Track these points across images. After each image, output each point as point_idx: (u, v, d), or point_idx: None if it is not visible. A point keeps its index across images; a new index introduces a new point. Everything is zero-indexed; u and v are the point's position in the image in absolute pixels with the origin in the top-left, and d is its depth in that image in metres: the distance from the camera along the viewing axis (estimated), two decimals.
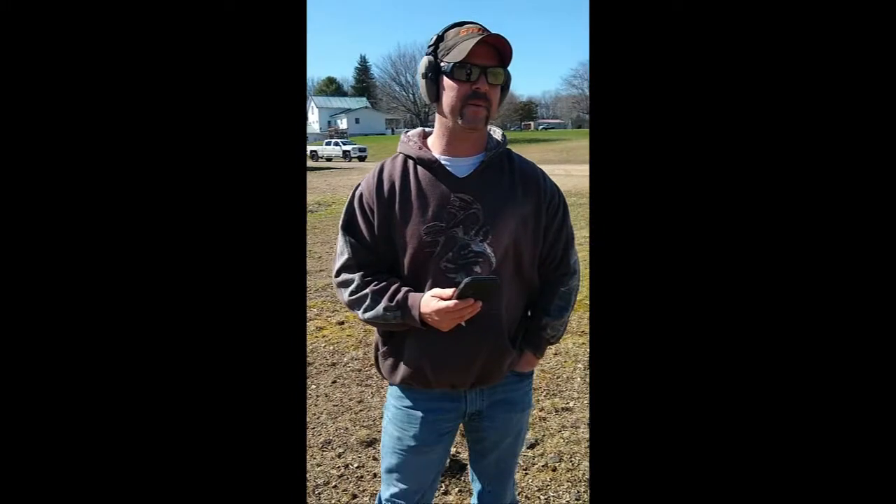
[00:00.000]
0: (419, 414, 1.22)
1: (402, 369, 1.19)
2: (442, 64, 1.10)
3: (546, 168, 1.33)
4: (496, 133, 1.23)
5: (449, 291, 1.05)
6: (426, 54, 1.13)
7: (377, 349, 1.25)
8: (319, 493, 2.05)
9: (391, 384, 1.26)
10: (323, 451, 2.33)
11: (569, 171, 17.95)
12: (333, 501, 2.01)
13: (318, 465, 2.23)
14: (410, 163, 1.17)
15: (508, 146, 1.23)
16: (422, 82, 1.14)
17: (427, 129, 1.25)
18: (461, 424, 1.30)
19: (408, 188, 1.14)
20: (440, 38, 1.12)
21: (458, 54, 1.05)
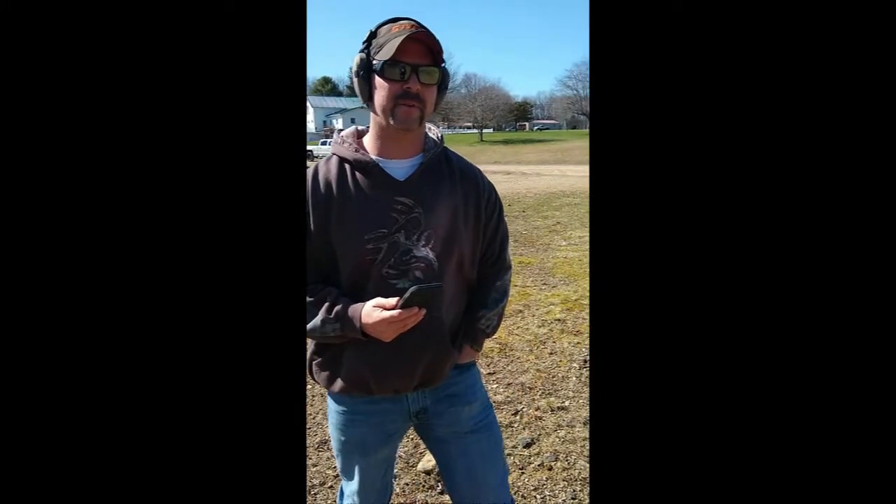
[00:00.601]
0: (362, 418, 1.20)
1: (342, 380, 1.15)
2: (373, 62, 1.05)
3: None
4: (432, 132, 1.20)
5: (392, 301, 1.01)
6: (359, 51, 1.09)
7: (311, 359, 1.20)
8: (315, 494, 2.05)
9: (333, 395, 1.22)
10: (319, 451, 2.33)
11: (564, 171, 18.01)
12: (329, 502, 2.01)
13: (314, 466, 2.23)
14: (347, 166, 1.11)
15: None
16: (355, 80, 1.10)
17: (361, 129, 1.20)
18: (412, 428, 1.27)
19: (346, 192, 1.08)
20: (373, 35, 1.07)
21: (387, 52, 1.01)
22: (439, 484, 2.07)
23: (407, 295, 0.98)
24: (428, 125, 1.18)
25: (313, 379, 1.22)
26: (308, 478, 2.13)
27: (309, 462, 2.24)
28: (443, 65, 1.09)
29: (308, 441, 2.39)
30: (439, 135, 1.21)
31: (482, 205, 1.18)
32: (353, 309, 1.06)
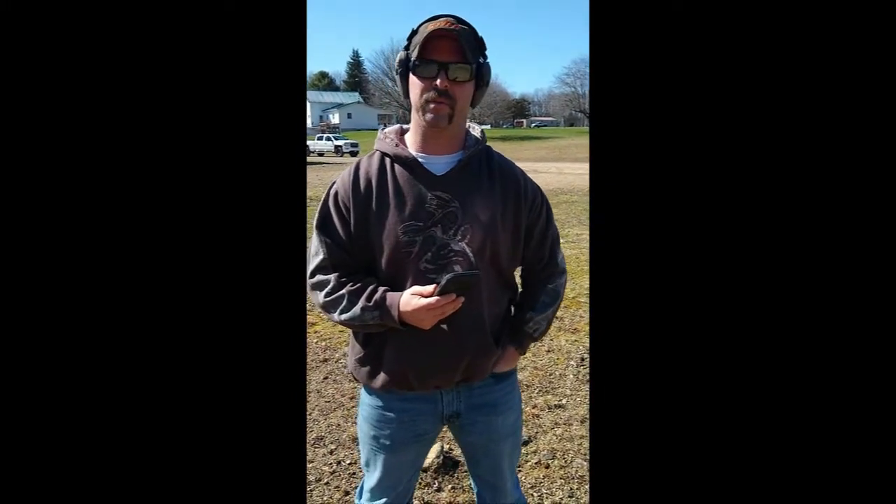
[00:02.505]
0: (394, 415, 1.20)
1: (384, 375, 1.16)
2: (410, 60, 1.08)
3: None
4: (475, 130, 1.20)
5: (429, 288, 1.03)
6: (403, 48, 1.11)
7: (354, 355, 1.21)
8: (311, 490, 2.05)
9: (370, 390, 1.22)
10: (315, 447, 2.32)
11: (561, 168, 17.98)
12: (326, 498, 2.01)
13: (311, 462, 2.22)
14: (387, 160, 1.14)
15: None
16: (397, 79, 1.13)
17: (405, 126, 1.21)
18: (446, 427, 1.28)
19: (385, 186, 1.11)
20: (414, 33, 1.09)
21: (417, 49, 1.04)
22: (436, 482, 2.07)
23: (444, 282, 0.99)
24: (471, 123, 1.18)
25: (354, 378, 1.25)
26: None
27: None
28: (481, 60, 1.09)
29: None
30: (482, 133, 1.21)
31: (523, 205, 1.17)
32: (392, 297, 1.07)
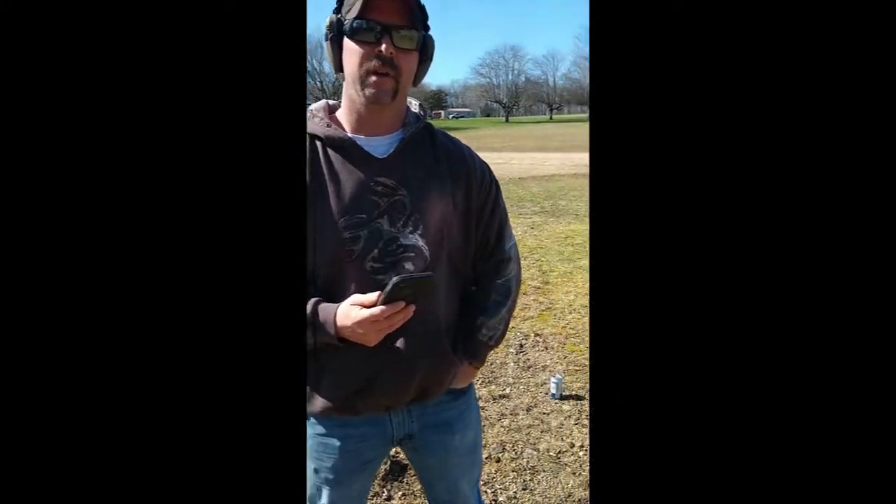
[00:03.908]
0: (336, 443, 1.01)
1: (323, 400, 0.97)
2: (344, 22, 0.89)
3: None
4: (414, 106, 1.04)
5: (373, 296, 0.85)
6: (333, 11, 0.92)
7: None
8: None
9: (311, 416, 1.02)
10: None
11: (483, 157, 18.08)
12: None
13: None
14: (318, 144, 0.94)
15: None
16: (326, 46, 0.93)
17: (332, 103, 1.03)
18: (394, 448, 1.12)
19: (318, 174, 0.92)
20: None
21: (356, 9, 0.86)
22: (385, 490, 1.99)
23: (389, 287, 0.81)
24: (409, 98, 1.01)
25: None
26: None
27: None
28: (424, 30, 0.93)
29: None
30: (421, 108, 1.05)
31: (474, 185, 1.01)
32: (326, 310, 0.89)
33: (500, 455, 2.18)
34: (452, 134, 1.10)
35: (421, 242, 0.94)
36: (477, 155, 1.08)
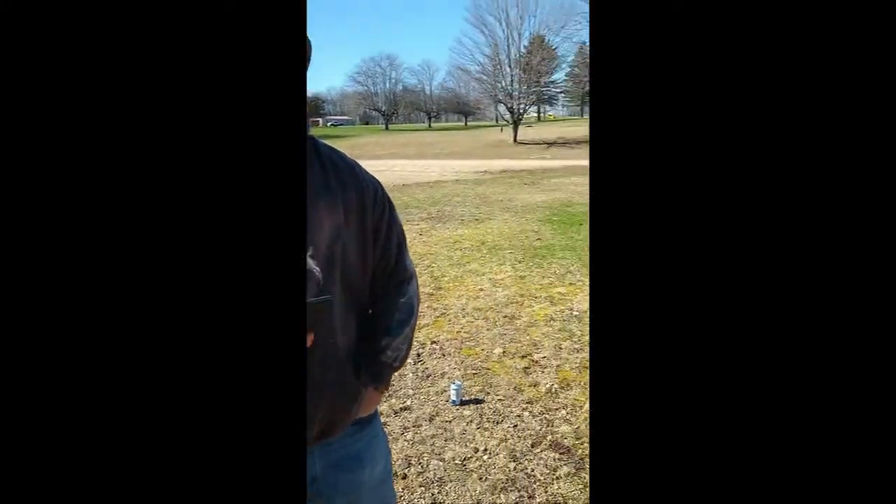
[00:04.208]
0: None
1: None
2: None
3: None
4: None
5: None
6: None
7: None
8: None
9: None
10: None
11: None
12: None
13: None
14: None
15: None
16: None
17: None
18: None
19: None
20: None
21: None
22: None
23: None
24: None
25: None
26: None
27: None
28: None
29: None
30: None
31: (367, 202, 0.95)
32: None
33: (405, 471, 2.11)
34: (332, 142, 1.03)
35: (312, 263, 0.86)
36: (365, 170, 1.02)
